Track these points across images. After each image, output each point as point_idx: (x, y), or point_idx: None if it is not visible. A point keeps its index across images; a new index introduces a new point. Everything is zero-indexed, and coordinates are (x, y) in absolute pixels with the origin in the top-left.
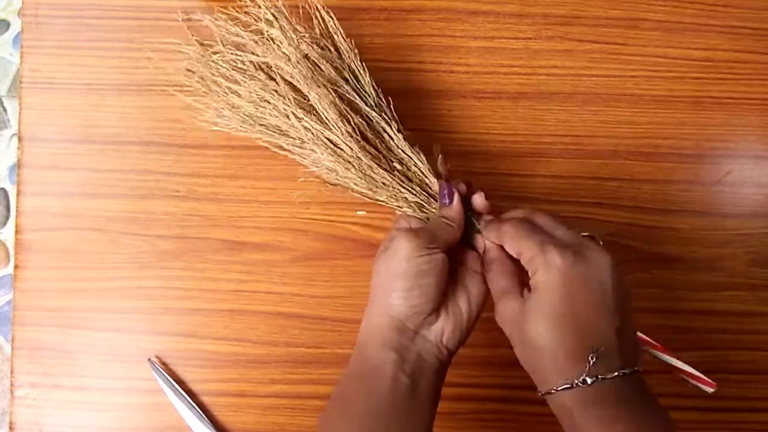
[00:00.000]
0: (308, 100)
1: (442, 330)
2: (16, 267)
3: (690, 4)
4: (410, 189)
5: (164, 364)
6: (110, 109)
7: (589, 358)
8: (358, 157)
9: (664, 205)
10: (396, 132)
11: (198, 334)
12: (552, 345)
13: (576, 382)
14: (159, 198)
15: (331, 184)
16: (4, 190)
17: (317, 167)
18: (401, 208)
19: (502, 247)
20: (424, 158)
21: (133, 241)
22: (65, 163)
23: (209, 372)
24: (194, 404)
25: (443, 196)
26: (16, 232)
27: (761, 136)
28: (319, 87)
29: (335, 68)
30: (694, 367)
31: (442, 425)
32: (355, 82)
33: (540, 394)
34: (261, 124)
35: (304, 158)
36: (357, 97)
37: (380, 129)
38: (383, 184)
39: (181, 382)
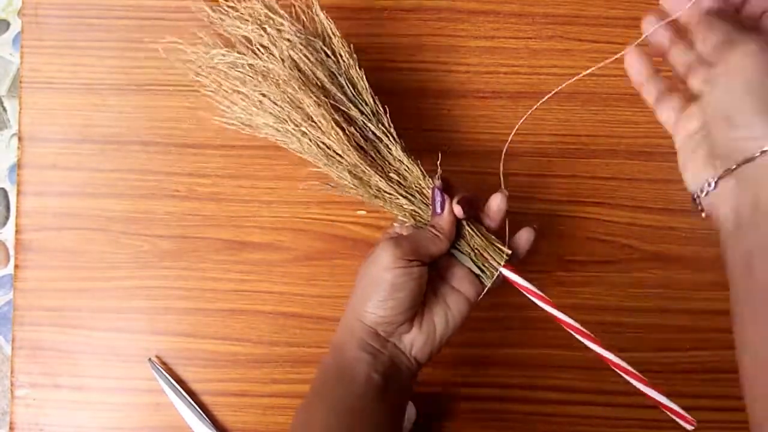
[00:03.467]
0: (304, 108)
1: (412, 342)
2: (16, 267)
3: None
4: (407, 197)
5: (164, 364)
6: (110, 109)
7: None
8: (355, 164)
9: (664, 205)
10: (392, 141)
11: (198, 334)
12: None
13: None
14: (159, 198)
15: (331, 186)
16: (4, 190)
17: (319, 168)
18: (397, 215)
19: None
20: (421, 167)
21: (134, 241)
22: (65, 163)
23: (209, 372)
24: (194, 404)
25: (434, 203)
26: (16, 232)
27: None
28: (310, 97)
29: (330, 74)
30: (673, 403)
31: (442, 425)
32: (352, 89)
33: (718, 178)
34: (266, 123)
35: (307, 157)
36: (352, 106)
37: (376, 138)
38: (379, 191)
39: (181, 382)
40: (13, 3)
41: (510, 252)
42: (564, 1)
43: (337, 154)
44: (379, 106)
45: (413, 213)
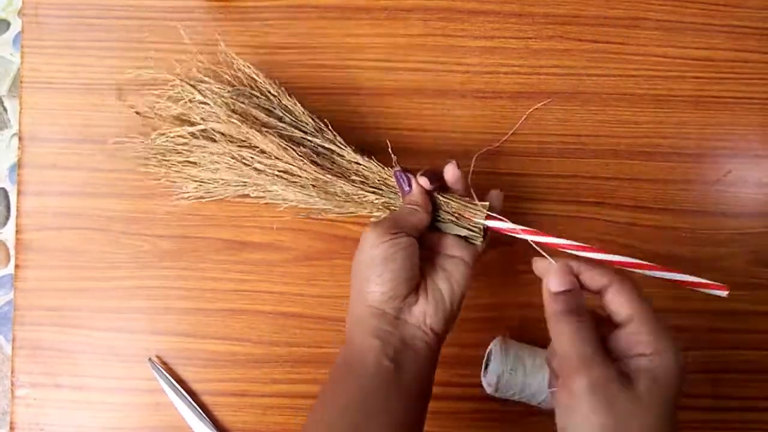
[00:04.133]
0: (252, 145)
1: (423, 312)
2: (16, 267)
3: (690, 3)
4: (374, 192)
5: (164, 364)
6: (110, 109)
7: None
8: (315, 177)
9: (664, 205)
10: (341, 147)
11: (198, 334)
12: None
13: None
14: (159, 198)
15: (303, 214)
16: (4, 190)
17: (287, 202)
18: (371, 213)
19: (572, 294)
20: (376, 161)
21: (134, 241)
22: (65, 163)
23: (209, 372)
24: (194, 404)
25: (401, 185)
26: (17, 231)
27: (761, 136)
28: (253, 129)
29: (266, 110)
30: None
31: (442, 425)
32: (290, 116)
33: None
34: (224, 183)
35: (272, 198)
36: (295, 129)
37: (326, 150)
38: (347, 195)
39: (181, 382)
40: (13, 3)
41: (487, 203)
42: (564, 1)
43: (296, 175)
44: (319, 122)
45: (386, 204)
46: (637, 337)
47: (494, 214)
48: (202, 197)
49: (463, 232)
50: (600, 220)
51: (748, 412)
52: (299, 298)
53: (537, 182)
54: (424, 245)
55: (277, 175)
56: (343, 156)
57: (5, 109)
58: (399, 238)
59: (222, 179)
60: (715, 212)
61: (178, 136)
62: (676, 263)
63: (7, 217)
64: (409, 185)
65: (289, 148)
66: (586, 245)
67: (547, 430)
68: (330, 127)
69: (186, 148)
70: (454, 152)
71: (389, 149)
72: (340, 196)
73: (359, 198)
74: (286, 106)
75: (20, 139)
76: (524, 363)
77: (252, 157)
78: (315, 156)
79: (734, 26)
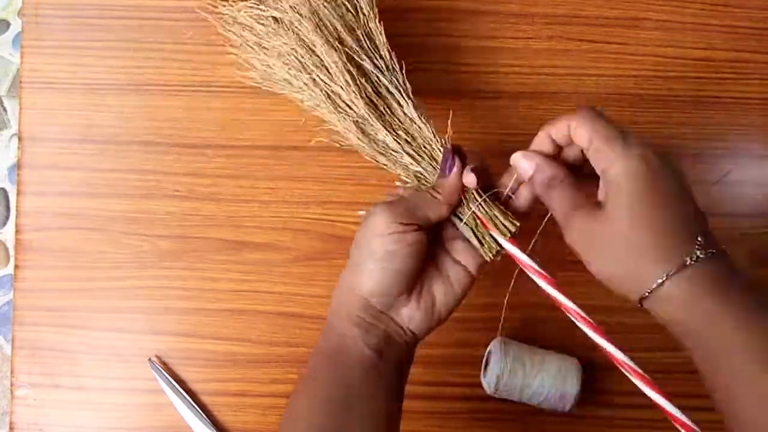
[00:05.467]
0: (317, 54)
1: (410, 316)
2: (16, 267)
3: (690, 3)
4: (413, 156)
5: (164, 364)
6: (110, 109)
7: (698, 239)
8: (363, 116)
9: None
10: (404, 98)
11: (198, 334)
12: (650, 234)
13: (687, 259)
14: (159, 198)
15: (337, 141)
16: (4, 190)
17: (329, 125)
18: (399, 176)
19: (558, 164)
20: (432, 127)
21: (134, 241)
22: (65, 163)
23: (209, 372)
24: (194, 404)
25: (444, 165)
26: (16, 232)
27: (761, 136)
28: (322, 38)
29: (348, 27)
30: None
31: (441, 425)
32: (368, 42)
33: (638, 301)
34: (281, 75)
35: (318, 113)
36: (367, 58)
37: (388, 93)
38: (385, 147)
39: (181, 382)
40: (13, 3)
41: (518, 225)
42: (564, 1)
43: (345, 104)
44: (395, 61)
45: (417, 174)
46: (597, 155)
47: (514, 242)
48: (260, 85)
49: (474, 242)
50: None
51: None
52: (299, 298)
53: None
54: (434, 236)
55: (328, 95)
56: (402, 107)
57: (5, 109)
58: (408, 233)
59: (281, 73)
60: (715, 212)
61: (257, 12)
62: None
63: (7, 217)
64: (450, 171)
65: (348, 77)
66: (591, 322)
67: (547, 430)
68: (404, 73)
69: (262, 30)
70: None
71: (449, 120)
72: (378, 144)
73: (395, 156)
74: (371, 30)
75: (20, 139)
76: (524, 363)
77: (313, 66)
78: (374, 95)
79: (734, 26)
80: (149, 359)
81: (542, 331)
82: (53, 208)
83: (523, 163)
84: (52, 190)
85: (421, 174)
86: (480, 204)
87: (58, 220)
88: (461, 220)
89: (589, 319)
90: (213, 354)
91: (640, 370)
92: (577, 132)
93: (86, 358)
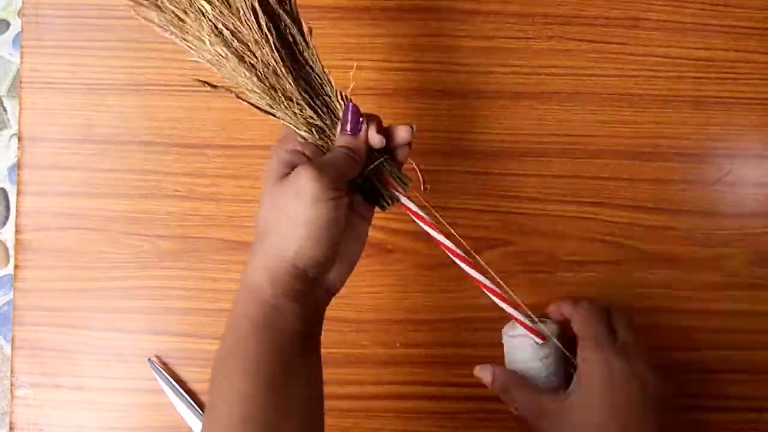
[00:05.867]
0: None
1: (334, 278)
2: (16, 267)
3: (690, 3)
4: (316, 110)
5: (164, 364)
6: (110, 109)
7: None
8: (269, 62)
9: (664, 205)
10: (306, 44)
11: (198, 334)
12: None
13: None
14: (159, 198)
15: (233, 89)
16: (4, 190)
17: (218, 67)
18: (299, 129)
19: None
20: (333, 79)
21: (134, 241)
22: (65, 163)
23: (209, 372)
24: (194, 404)
25: (348, 122)
26: (16, 232)
27: (761, 136)
28: None
29: None
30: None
31: (441, 425)
32: None
33: None
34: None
35: (215, 57)
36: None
37: (294, 43)
38: (287, 99)
39: (181, 382)
40: (13, 3)
41: (411, 181)
42: (564, 1)
43: (250, 50)
44: (297, 10)
45: (318, 129)
46: (579, 347)
47: (408, 195)
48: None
49: (378, 198)
50: (600, 220)
51: (748, 412)
52: None
53: (537, 182)
54: None
55: (232, 38)
56: (306, 59)
57: (5, 109)
58: (342, 199)
59: (198, 34)
60: (715, 212)
61: None
62: (676, 263)
63: (7, 217)
64: (359, 128)
65: (253, 12)
66: (464, 256)
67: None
68: (308, 26)
69: None
70: (453, 152)
71: (351, 74)
72: (277, 93)
73: (295, 106)
74: None
75: (20, 139)
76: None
77: (219, 13)
78: (279, 41)
79: (734, 26)
80: (149, 359)
81: None
82: (53, 208)
83: (481, 373)
84: (52, 190)
85: (322, 129)
86: (382, 162)
87: (58, 220)
88: (364, 177)
89: (461, 253)
90: (213, 354)
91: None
92: (574, 323)
93: (86, 358)
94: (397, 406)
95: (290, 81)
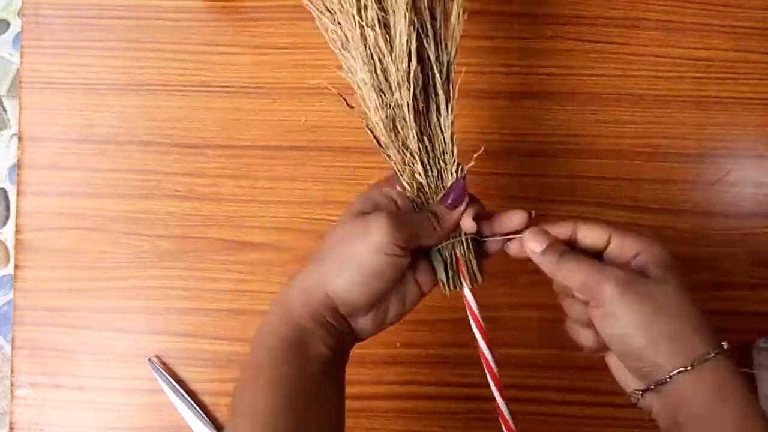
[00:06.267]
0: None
1: (364, 325)
2: (16, 267)
3: (690, 3)
4: (425, 166)
5: (164, 364)
6: (110, 109)
7: (719, 342)
8: (401, 105)
9: (664, 205)
10: (446, 107)
11: (198, 334)
12: (694, 308)
13: (706, 357)
14: (159, 198)
15: (349, 106)
16: (4, 190)
17: (361, 104)
18: (402, 175)
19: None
20: (457, 151)
21: (134, 241)
22: (65, 163)
23: (209, 372)
24: (194, 404)
25: (450, 196)
26: (16, 232)
27: (761, 136)
28: (399, 7)
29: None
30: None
31: (440, 425)
32: (442, 26)
33: (643, 391)
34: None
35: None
36: (433, 44)
37: (434, 93)
38: (402, 143)
39: (181, 382)
40: (13, 3)
41: (484, 278)
42: (564, 1)
43: (389, 85)
44: (454, 64)
45: (420, 186)
46: (623, 246)
47: (475, 291)
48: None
49: (442, 277)
50: (600, 220)
51: None
52: None
53: (537, 182)
54: None
55: (379, 66)
56: (440, 114)
57: (5, 109)
58: (404, 258)
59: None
60: (715, 212)
61: None
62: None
63: (7, 217)
64: (457, 204)
65: (408, 53)
66: (496, 376)
67: (548, 430)
68: (453, 82)
69: None
70: None
71: (475, 154)
72: (397, 134)
73: (408, 156)
74: (445, 12)
75: (20, 139)
76: None
77: (378, 28)
78: (420, 88)
79: (734, 26)
80: (149, 359)
81: (542, 333)
82: (53, 208)
83: (532, 243)
84: (52, 190)
85: (423, 188)
86: (463, 245)
87: (58, 220)
88: (440, 252)
89: (495, 374)
90: (213, 354)
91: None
92: (589, 234)
93: (86, 358)
94: (397, 406)
95: (414, 132)
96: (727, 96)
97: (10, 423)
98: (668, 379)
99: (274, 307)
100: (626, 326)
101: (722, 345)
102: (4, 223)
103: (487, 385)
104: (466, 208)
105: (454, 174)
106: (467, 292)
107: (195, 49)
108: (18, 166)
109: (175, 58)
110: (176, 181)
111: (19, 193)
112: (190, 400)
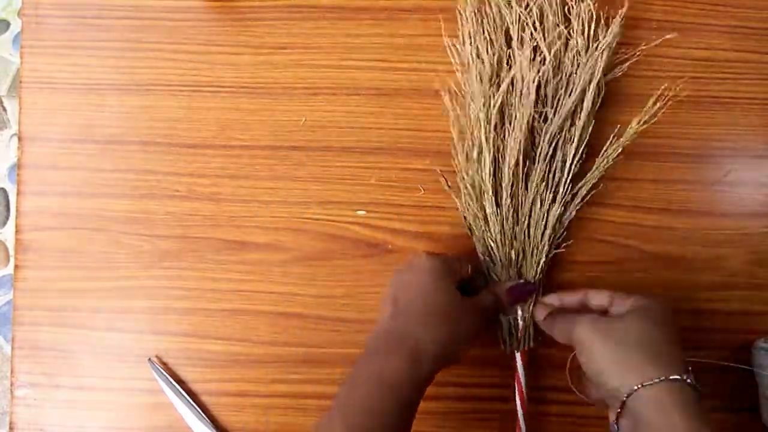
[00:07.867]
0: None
1: (440, 367)
2: (16, 267)
3: (690, 3)
4: (507, 254)
5: (164, 364)
6: (110, 109)
7: (687, 368)
8: (512, 193)
9: (664, 205)
10: (557, 213)
11: (198, 334)
12: (655, 341)
13: (677, 376)
14: (159, 198)
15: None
16: (4, 190)
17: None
18: (477, 245)
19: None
20: (544, 264)
21: (134, 241)
22: (65, 163)
23: (209, 372)
24: (194, 404)
25: (513, 293)
26: (16, 232)
27: (761, 136)
28: (521, 116)
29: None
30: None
31: (442, 425)
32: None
33: (616, 418)
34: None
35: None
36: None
37: (552, 180)
38: (499, 231)
39: (181, 382)
40: (13, 3)
41: (533, 347)
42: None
43: (500, 153)
44: (578, 153)
45: (491, 263)
46: (621, 303)
47: (525, 359)
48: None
49: (504, 335)
50: (600, 220)
51: (749, 412)
52: (299, 298)
53: None
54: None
55: (493, 144)
56: (550, 205)
57: (5, 109)
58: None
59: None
60: (715, 212)
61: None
62: (676, 263)
63: (7, 217)
64: (513, 302)
65: (528, 122)
66: None
67: (548, 430)
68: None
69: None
70: (451, 152)
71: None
72: (490, 217)
73: (490, 238)
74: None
75: (20, 139)
76: None
77: (493, 117)
78: (536, 179)
79: (734, 26)
80: (149, 359)
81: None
82: (53, 208)
83: (540, 312)
84: (52, 190)
85: (494, 265)
86: (526, 317)
87: (58, 220)
88: (521, 310)
89: None
90: (213, 354)
91: None
92: (596, 297)
93: (86, 358)
94: None
95: (506, 222)
96: (727, 96)
97: (10, 423)
98: (625, 399)
99: (378, 352)
100: (592, 355)
101: (684, 369)
102: (4, 223)
103: (487, 385)
104: (536, 305)
105: (528, 278)
106: (519, 357)
107: (195, 49)
108: (18, 166)
109: (175, 58)
110: (176, 181)
111: (19, 193)
112: (190, 400)
